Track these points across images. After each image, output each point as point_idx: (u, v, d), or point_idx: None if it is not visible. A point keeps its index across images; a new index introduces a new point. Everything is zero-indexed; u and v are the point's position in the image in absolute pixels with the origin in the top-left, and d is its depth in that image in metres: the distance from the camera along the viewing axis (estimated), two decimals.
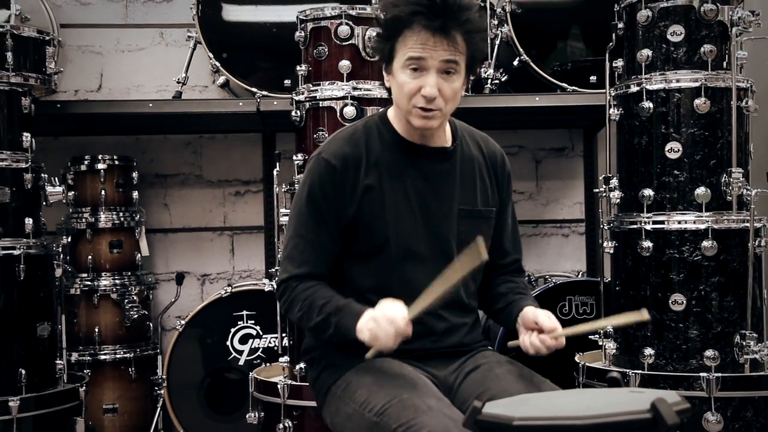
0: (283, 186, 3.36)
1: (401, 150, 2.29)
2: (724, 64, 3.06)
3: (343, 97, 3.21)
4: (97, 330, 3.97)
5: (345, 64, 3.22)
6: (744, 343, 2.95)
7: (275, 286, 2.40)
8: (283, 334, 3.36)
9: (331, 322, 2.16)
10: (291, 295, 2.25)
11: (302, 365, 3.09)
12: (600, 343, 3.19)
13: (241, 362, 3.99)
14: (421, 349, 2.27)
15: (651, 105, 3.07)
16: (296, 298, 2.24)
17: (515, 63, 3.98)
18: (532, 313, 2.21)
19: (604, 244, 3.21)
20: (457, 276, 2.01)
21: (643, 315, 2.21)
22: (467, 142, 2.39)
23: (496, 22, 3.94)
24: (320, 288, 2.23)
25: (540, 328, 2.17)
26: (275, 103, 3.84)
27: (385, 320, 2.04)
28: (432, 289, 2.02)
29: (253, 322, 4.00)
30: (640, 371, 2.97)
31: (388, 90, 2.30)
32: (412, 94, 2.19)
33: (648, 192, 3.06)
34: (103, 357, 3.96)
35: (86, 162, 4.04)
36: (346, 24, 3.23)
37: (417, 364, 2.25)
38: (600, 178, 3.29)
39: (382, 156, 2.27)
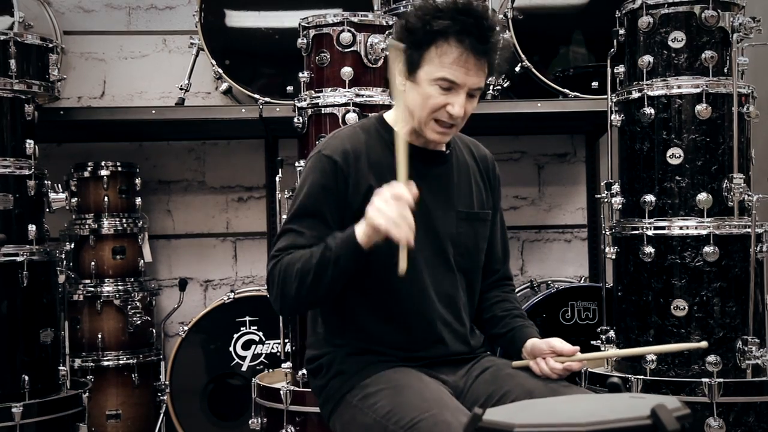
0: (286, 192, 3.37)
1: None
2: (725, 70, 3.07)
3: (345, 104, 3.21)
4: (100, 336, 3.97)
5: (347, 71, 3.23)
6: (746, 349, 2.95)
7: (266, 282, 2.27)
8: (286, 340, 3.37)
9: (330, 248, 2.08)
10: (281, 268, 2.15)
11: (305, 371, 3.08)
12: (602, 349, 3.19)
13: (244, 368, 3.99)
14: (431, 357, 2.27)
15: (652, 111, 3.07)
16: (290, 263, 2.13)
17: (517, 69, 3.99)
18: (544, 343, 2.23)
19: (606, 250, 3.21)
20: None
21: (701, 345, 2.23)
22: (459, 147, 2.41)
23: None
24: (301, 249, 2.16)
25: (557, 353, 2.20)
26: (278, 109, 3.84)
27: (389, 203, 1.99)
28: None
29: (255, 328, 4.01)
30: (641, 377, 2.97)
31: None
32: (437, 108, 2.17)
33: (650, 198, 3.07)
34: (106, 363, 3.97)
35: (89, 168, 4.05)
36: (348, 31, 3.24)
37: (429, 372, 2.24)
38: (602, 183, 3.29)
39: (382, 156, 2.26)
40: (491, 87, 3.87)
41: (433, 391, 2.11)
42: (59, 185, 3.53)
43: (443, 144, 2.34)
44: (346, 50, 3.26)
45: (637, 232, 3.08)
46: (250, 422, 3.31)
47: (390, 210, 1.99)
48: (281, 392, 3.15)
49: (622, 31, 3.21)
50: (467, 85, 2.16)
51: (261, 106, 3.86)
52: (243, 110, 3.94)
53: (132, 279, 4.10)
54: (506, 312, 2.41)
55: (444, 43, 2.14)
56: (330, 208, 2.20)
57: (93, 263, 4.02)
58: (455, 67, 2.14)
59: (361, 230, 2.06)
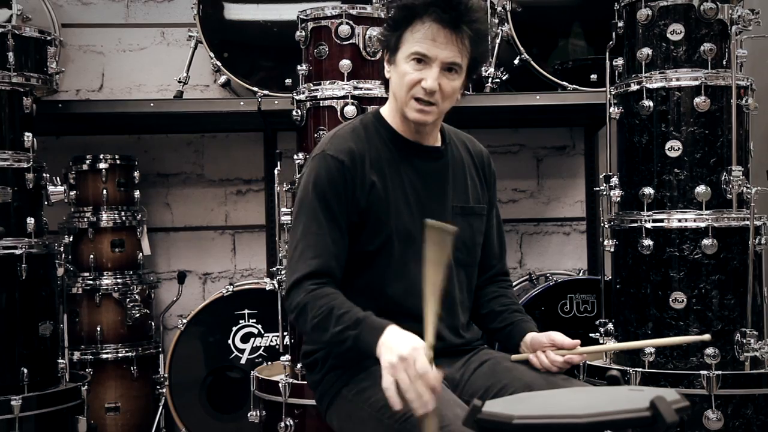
0: (285, 185, 3.37)
1: (398, 147, 2.30)
2: (724, 62, 3.07)
3: (344, 97, 3.21)
4: (99, 329, 3.97)
5: (345, 64, 3.23)
6: (744, 341, 2.96)
7: (284, 289, 2.24)
8: (285, 333, 3.37)
9: (349, 336, 2.04)
10: (304, 298, 2.12)
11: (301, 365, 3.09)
12: (601, 342, 3.19)
13: (243, 361, 3.99)
14: None
15: (651, 103, 3.07)
16: (310, 303, 2.11)
17: (516, 62, 3.99)
18: (545, 336, 2.24)
19: (605, 243, 3.21)
20: (438, 275, 1.90)
21: (704, 337, 2.23)
22: (455, 143, 2.42)
23: (496, 20, 3.94)
24: (338, 296, 2.12)
25: (558, 346, 2.21)
26: (276, 102, 3.84)
27: (414, 376, 1.88)
28: (428, 306, 1.91)
29: (254, 320, 4.00)
30: (640, 369, 2.98)
31: (386, 82, 2.30)
32: (412, 84, 2.20)
33: (648, 190, 3.07)
34: (105, 356, 3.97)
35: (88, 161, 4.04)
36: (347, 23, 3.24)
37: None
38: (601, 176, 3.29)
39: (382, 152, 2.28)
40: (490, 80, 3.86)
41: None
42: (58, 178, 3.52)
43: (434, 132, 2.34)
44: (344, 43, 3.25)
45: (635, 224, 3.08)
46: (249, 415, 3.32)
47: (410, 391, 1.89)
48: (280, 385, 3.15)
49: (620, 24, 3.21)
50: (438, 58, 2.18)
51: (259, 99, 3.85)
52: (241, 103, 3.94)
53: (131, 272, 4.09)
54: (504, 307, 2.41)
55: (419, 21, 2.18)
56: (341, 208, 2.20)
57: (92, 256, 4.02)
58: (424, 41, 2.17)
59: (381, 354, 1.97)
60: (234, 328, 4.01)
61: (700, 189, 3.01)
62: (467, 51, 2.20)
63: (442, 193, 2.33)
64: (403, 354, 1.90)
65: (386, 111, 2.35)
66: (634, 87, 3.12)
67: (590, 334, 3.22)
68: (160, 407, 3.98)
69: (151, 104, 3.98)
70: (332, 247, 2.19)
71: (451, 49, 2.18)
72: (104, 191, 4.03)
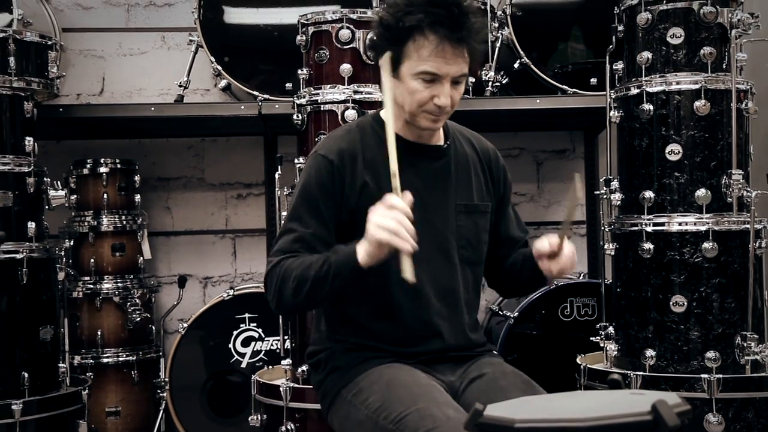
0: (285, 189, 3.37)
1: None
2: (724, 66, 3.07)
3: (345, 101, 3.22)
4: (99, 333, 3.97)
5: (346, 68, 3.23)
6: (745, 345, 2.96)
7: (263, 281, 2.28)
8: (285, 337, 3.37)
9: (328, 266, 2.09)
10: (280, 271, 2.16)
11: (305, 368, 3.09)
12: (601, 345, 3.20)
13: (244, 365, 3.99)
14: (429, 352, 2.28)
15: (651, 107, 3.07)
16: (289, 268, 2.15)
17: (516, 65, 3.99)
18: (535, 252, 2.25)
19: (605, 246, 3.21)
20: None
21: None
22: (459, 140, 2.42)
23: (496, 24, 3.94)
24: (306, 255, 2.17)
25: (548, 253, 2.23)
26: (277, 106, 3.84)
27: (385, 216, 2.00)
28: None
29: (255, 324, 4.01)
30: (641, 373, 2.98)
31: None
32: (424, 102, 2.20)
33: (648, 194, 3.07)
34: (105, 360, 3.97)
35: (88, 165, 4.05)
36: (347, 28, 3.24)
37: (426, 369, 2.25)
38: (601, 180, 3.30)
39: (378, 153, 2.27)
40: (490, 83, 3.87)
41: (423, 387, 2.12)
42: (58, 182, 3.52)
43: (437, 132, 2.35)
44: (345, 47, 3.26)
45: (636, 228, 3.08)
46: (249, 419, 3.31)
47: (387, 221, 2.00)
48: (281, 389, 3.15)
49: (620, 28, 3.21)
50: (449, 74, 2.18)
51: (260, 103, 3.86)
52: (242, 107, 3.95)
53: (131, 276, 4.09)
54: (519, 253, 2.45)
55: (420, 37, 2.16)
56: (327, 207, 2.22)
57: (92, 260, 4.02)
58: (434, 59, 2.16)
59: (362, 249, 2.07)
60: (234, 332, 4.01)
61: (701, 192, 3.01)
62: (470, 58, 2.22)
63: (443, 191, 2.33)
64: (375, 220, 2.02)
65: (385, 114, 2.35)
66: (634, 91, 3.12)
67: (591, 338, 3.23)
68: (161, 411, 3.98)
69: (152, 108, 3.99)
70: (313, 241, 2.21)
71: (459, 63, 2.19)
72: (105, 195, 4.04)
